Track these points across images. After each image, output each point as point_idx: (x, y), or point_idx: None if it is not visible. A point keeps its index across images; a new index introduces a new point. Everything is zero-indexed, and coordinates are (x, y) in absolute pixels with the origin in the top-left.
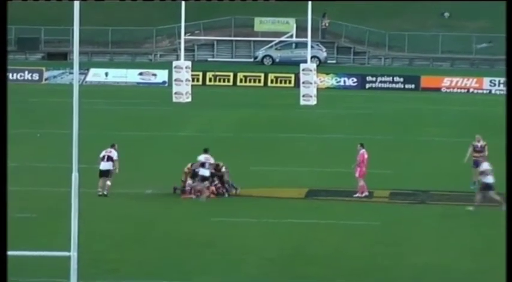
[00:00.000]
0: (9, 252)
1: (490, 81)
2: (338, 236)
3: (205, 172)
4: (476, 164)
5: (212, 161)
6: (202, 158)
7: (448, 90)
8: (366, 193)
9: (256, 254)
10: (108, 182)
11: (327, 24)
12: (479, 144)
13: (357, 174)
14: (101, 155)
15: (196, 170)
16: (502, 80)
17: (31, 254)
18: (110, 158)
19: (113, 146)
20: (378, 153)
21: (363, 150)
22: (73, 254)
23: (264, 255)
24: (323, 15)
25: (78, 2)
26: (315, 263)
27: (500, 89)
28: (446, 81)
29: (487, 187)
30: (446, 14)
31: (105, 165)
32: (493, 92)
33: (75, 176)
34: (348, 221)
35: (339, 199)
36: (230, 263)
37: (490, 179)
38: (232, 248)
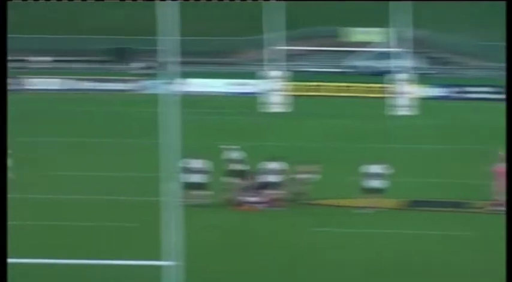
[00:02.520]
0: (110, 262)
1: None
2: (443, 247)
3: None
4: None
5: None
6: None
7: None
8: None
9: (361, 265)
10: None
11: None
12: None
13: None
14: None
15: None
16: None
17: (133, 264)
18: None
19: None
20: (475, 163)
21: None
22: (177, 263)
23: (370, 267)
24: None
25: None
26: (419, 275)
27: None
28: None
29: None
30: None
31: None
32: None
33: (173, 185)
34: (453, 232)
35: (443, 210)
36: (336, 275)
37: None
38: (337, 258)
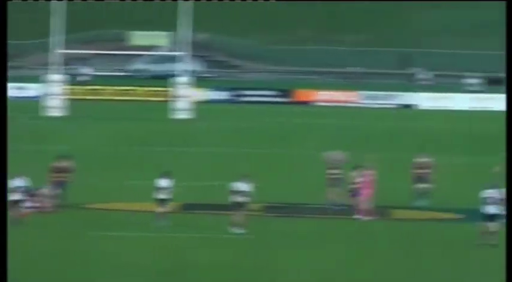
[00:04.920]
0: None
1: (364, 96)
2: (212, 249)
3: None
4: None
5: None
6: None
7: (321, 104)
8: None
9: (138, 268)
10: None
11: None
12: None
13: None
14: None
15: None
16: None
17: None
18: None
19: None
20: (253, 166)
21: (368, 172)
22: None
23: (145, 271)
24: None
25: None
26: (195, 275)
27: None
28: (320, 95)
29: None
30: None
31: None
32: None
33: None
34: (223, 235)
35: (214, 213)
36: (119, 278)
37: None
38: (116, 263)
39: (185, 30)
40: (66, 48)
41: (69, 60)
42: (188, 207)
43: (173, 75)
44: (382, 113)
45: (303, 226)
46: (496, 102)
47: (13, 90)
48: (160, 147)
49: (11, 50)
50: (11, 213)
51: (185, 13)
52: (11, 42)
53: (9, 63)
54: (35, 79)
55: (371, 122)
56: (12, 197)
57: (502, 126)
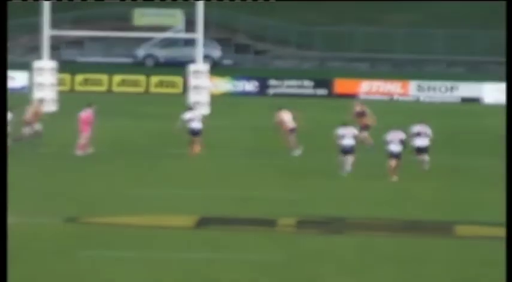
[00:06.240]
0: None
1: (418, 86)
2: (235, 274)
3: None
4: None
5: None
6: None
7: (367, 97)
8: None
9: None
10: None
11: None
12: None
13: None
14: None
15: None
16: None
17: None
18: None
19: None
20: (282, 174)
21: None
22: None
23: None
24: None
25: None
26: None
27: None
28: (365, 86)
29: None
30: None
31: None
32: (421, 99)
33: None
34: (247, 255)
35: (237, 228)
36: None
37: None
38: None
39: (202, 7)
40: (60, 29)
41: (61, 44)
42: (205, 222)
43: (188, 62)
44: (440, 107)
45: (346, 245)
46: None
47: None
48: (172, 149)
49: None
50: None
51: None
52: None
53: None
54: (20, 66)
55: (427, 119)
56: None
57: None
